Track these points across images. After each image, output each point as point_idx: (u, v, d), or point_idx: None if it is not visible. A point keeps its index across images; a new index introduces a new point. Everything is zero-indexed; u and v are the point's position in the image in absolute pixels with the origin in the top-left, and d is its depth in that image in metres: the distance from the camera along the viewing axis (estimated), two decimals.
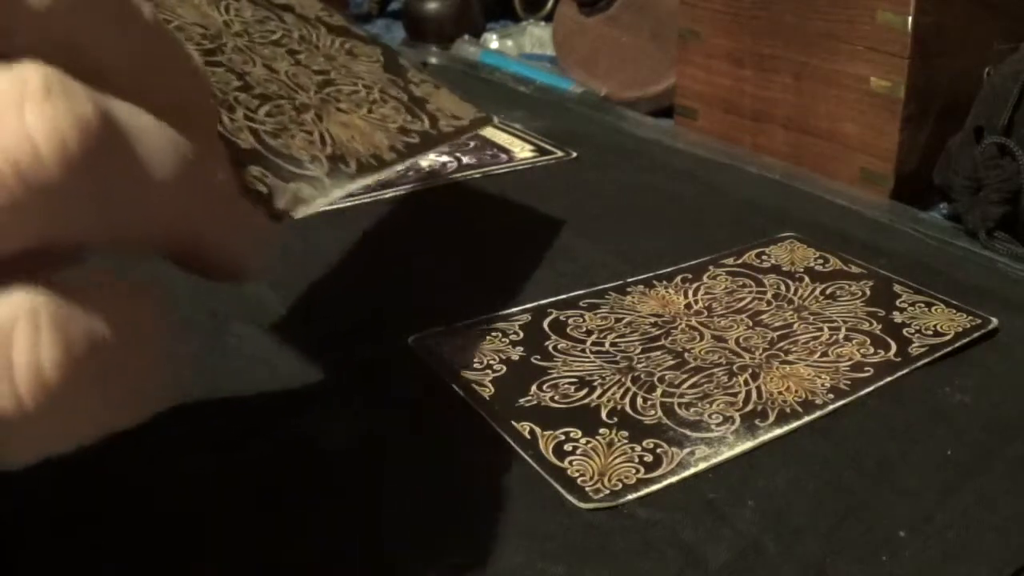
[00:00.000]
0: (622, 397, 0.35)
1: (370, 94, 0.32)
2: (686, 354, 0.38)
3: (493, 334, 0.39)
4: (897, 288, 0.43)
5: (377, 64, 0.35)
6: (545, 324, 0.40)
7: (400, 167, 0.30)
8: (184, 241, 0.18)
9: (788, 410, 0.34)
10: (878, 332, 0.39)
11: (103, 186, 0.16)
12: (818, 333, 0.39)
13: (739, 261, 0.46)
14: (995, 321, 0.40)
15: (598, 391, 0.36)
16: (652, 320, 0.41)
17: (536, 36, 0.93)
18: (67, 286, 0.16)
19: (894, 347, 0.38)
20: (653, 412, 0.34)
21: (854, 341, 0.39)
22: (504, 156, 0.61)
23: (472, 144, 0.62)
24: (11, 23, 0.15)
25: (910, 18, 0.54)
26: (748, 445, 0.33)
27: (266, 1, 0.33)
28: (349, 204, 0.51)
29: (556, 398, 0.35)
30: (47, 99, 0.15)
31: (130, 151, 0.16)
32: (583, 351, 0.38)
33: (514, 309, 0.42)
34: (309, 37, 0.33)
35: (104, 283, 0.17)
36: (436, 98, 0.36)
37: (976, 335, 0.39)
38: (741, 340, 0.39)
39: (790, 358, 0.38)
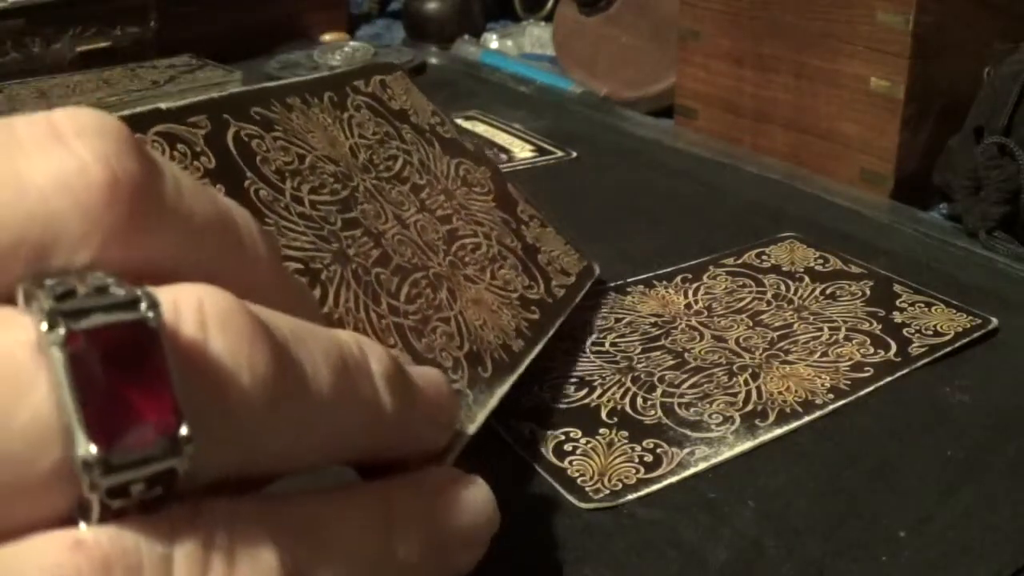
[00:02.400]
0: (622, 397, 0.35)
1: (490, 248, 0.35)
2: (686, 354, 0.38)
3: None
4: (897, 288, 0.43)
5: (489, 196, 0.38)
6: None
7: (527, 361, 0.32)
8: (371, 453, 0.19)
9: (788, 410, 0.34)
10: (878, 332, 0.39)
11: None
12: (818, 333, 0.39)
13: (739, 261, 0.46)
14: (995, 321, 0.40)
15: (598, 391, 0.36)
16: (652, 320, 0.41)
17: (536, 36, 0.93)
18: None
19: (894, 347, 0.38)
20: (653, 412, 0.34)
21: (854, 341, 0.39)
22: (504, 156, 0.61)
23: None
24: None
25: (910, 18, 0.54)
26: (748, 445, 0.33)
27: (385, 109, 0.35)
28: None
29: (556, 398, 0.35)
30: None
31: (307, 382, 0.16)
32: (583, 351, 0.38)
33: None
34: (427, 161, 0.35)
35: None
36: (544, 241, 0.39)
37: (976, 335, 0.39)
38: (741, 340, 0.39)
39: (790, 358, 0.38)
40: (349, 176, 0.30)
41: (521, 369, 0.31)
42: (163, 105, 0.24)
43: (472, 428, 0.26)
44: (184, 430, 0.14)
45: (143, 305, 0.14)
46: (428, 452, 0.20)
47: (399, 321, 0.27)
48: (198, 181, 0.17)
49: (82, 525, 0.14)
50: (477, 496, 0.20)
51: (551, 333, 0.34)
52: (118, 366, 0.13)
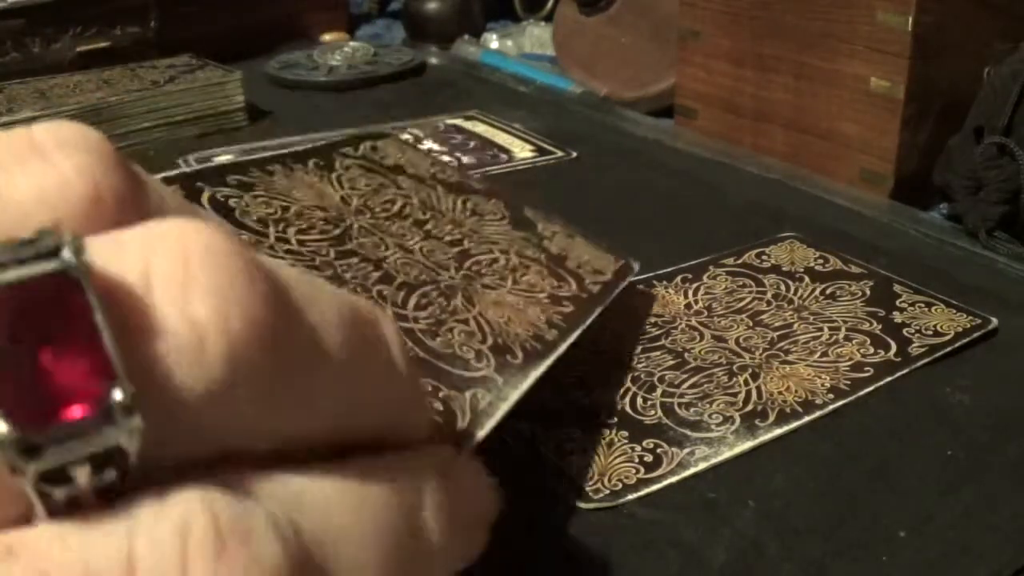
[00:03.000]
0: (622, 397, 0.35)
1: (508, 261, 0.32)
2: (686, 354, 0.38)
3: None
4: (897, 288, 0.43)
5: (504, 221, 0.35)
6: None
7: (563, 348, 0.29)
8: None
9: (788, 410, 0.34)
10: (878, 332, 0.39)
11: None
12: (818, 333, 0.39)
13: (739, 261, 0.46)
14: (995, 321, 0.40)
15: (598, 391, 0.36)
16: (652, 320, 0.41)
17: (536, 36, 0.93)
18: None
19: (894, 347, 0.38)
20: (653, 412, 0.34)
21: (854, 341, 0.39)
22: (504, 156, 0.61)
23: (472, 144, 0.62)
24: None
25: (910, 18, 0.54)
26: (748, 445, 0.33)
27: (378, 166, 0.33)
28: None
29: (556, 398, 0.35)
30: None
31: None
32: (583, 351, 0.38)
33: None
34: (430, 201, 0.32)
35: None
36: (573, 250, 0.36)
37: (976, 335, 0.39)
38: (741, 340, 0.39)
39: (790, 358, 0.38)
40: (341, 218, 0.28)
41: (559, 352, 0.29)
42: None
43: (504, 406, 0.24)
44: (118, 395, 0.11)
45: (66, 251, 0.12)
46: (422, 437, 0.18)
47: (408, 327, 0.25)
48: (181, 198, 0.16)
49: (37, 523, 0.12)
50: (482, 475, 0.19)
51: (588, 322, 0.31)
52: (34, 327, 0.12)
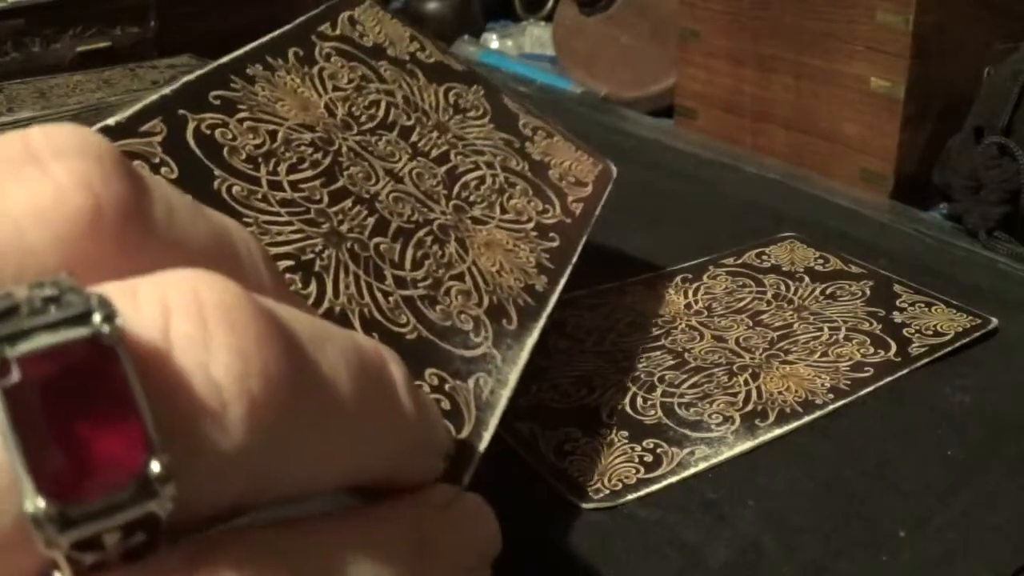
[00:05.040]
0: (622, 397, 0.35)
1: (495, 179, 0.32)
2: (686, 354, 0.38)
3: None
4: (897, 288, 0.43)
5: (486, 119, 0.34)
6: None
7: (554, 298, 0.30)
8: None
9: (788, 410, 0.34)
10: (878, 332, 0.39)
11: None
12: (818, 333, 0.39)
13: (739, 261, 0.46)
14: (995, 321, 0.40)
15: (598, 391, 0.36)
16: (652, 320, 0.41)
17: (536, 36, 0.93)
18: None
19: (894, 347, 0.38)
20: (653, 412, 0.34)
21: (854, 341, 0.39)
22: None
23: None
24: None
25: (910, 18, 0.54)
26: (748, 445, 0.33)
27: (358, 49, 0.32)
28: None
29: (556, 398, 0.35)
30: None
31: None
32: (583, 351, 0.38)
33: None
34: (412, 96, 0.32)
35: None
36: (553, 153, 0.36)
37: (976, 335, 0.39)
38: (741, 340, 0.39)
39: (790, 358, 0.38)
40: (329, 140, 0.28)
41: (548, 310, 0.29)
42: (111, 120, 0.22)
43: (505, 392, 0.25)
44: (156, 467, 0.11)
45: (96, 316, 0.11)
46: (427, 478, 0.18)
47: (408, 294, 0.25)
48: (192, 201, 0.15)
49: None
50: (481, 513, 0.19)
51: (574, 260, 0.32)
52: (68, 397, 0.11)
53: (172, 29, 0.79)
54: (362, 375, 0.15)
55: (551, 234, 0.32)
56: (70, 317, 0.11)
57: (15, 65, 0.71)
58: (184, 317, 0.12)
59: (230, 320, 0.13)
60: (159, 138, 0.23)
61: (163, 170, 0.22)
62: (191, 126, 0.24)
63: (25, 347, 0.11)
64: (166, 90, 0.24)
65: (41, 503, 0.11)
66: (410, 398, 0.16)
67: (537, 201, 0.33)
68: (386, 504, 0.16)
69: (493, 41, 0.93)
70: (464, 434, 0.23)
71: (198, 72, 0.26)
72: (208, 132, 0.24)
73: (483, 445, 0.23)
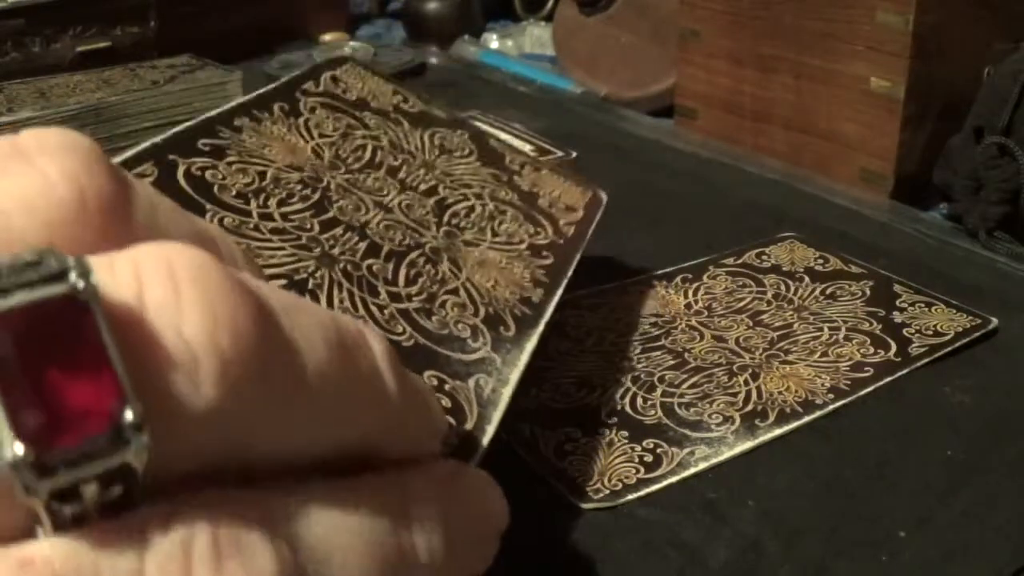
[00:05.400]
0: (622, 397, 0.35)
1: (485, 208, 0.32)
2: (686, 354, 0.38)
3: None
4: (897, 288, 0.43)
5: (472, 157, 0.35)
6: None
7: (551, 309, 0.30)
8: None
9: (788, 410, 0.34)
10: (878, 332, 0.39)
11: None
12: (818, 333, 0.39)
13: (739, 261, 0.46)
14: (995, 321, 0.40)
15: (598, 391, 0.36)
16: (652, 320, 0.41)
17: (536, 36, 0.93)
18: None
19: (894, 347, 0.38)
20: (653, 412, 0.34)
21: (854, 341, 0.39)
22: None
23: None
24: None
25: (910, 18, 0.54)
26: (748, 445, 0.33)
27: (342, 102, 0.33)
28: None
29: (556, 398, 0.35)
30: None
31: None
32: (583, 351, 0.38)
33: None
34: (398, 141, 0.33)
35: None
36: (542, 185, 0.37)
37: (976, 335, 0.39)
38: (741, 340, 0.39)
39: (790, 358, 0.38)
40: (318, 178, 0.28)
41: (546, 318, 0.29)
42: None
43: (507, 391, 0.25)
44: (130, 415, 0.12)
45: (73, 275, 0.12)
46: (424, 457, 0.18)
47: (403, 307, 0.25)
48: (174, 203, 0.16)
49: (41, 536, 0.12)
50: (488, 488, 0.19)
51: (569, 274, 0.32)
52: (45, 350, 0.12)
53: (172, 29, 0.79)
54: (338, 345, 0.15)
55: (544, 253, 0.33)
56: (47, 276, 0.12)
57: (15, 65, 0.71)
58: (156, 281, 0.13)
59: (200, 282, 0.13)
60: (150, 179, 0.24)
61: None
62: (181, 169, 0.25)
63: (3, 304, 0.12)
64: (157, 139, 0.25)
65: (20, 449, 0.11)
66: (392, 373, 0.16)
67: (528, 225, 0.33)
68: (374, 473, 0.16)
69: (493, 41, 0.93)
70: (467, 427, 0.23)
71: (185, 124, 0.27)
72: (198, 173, 0.25)
73: (487, 439, 0.23)
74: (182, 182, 0.24)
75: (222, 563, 0.13)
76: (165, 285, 0.13)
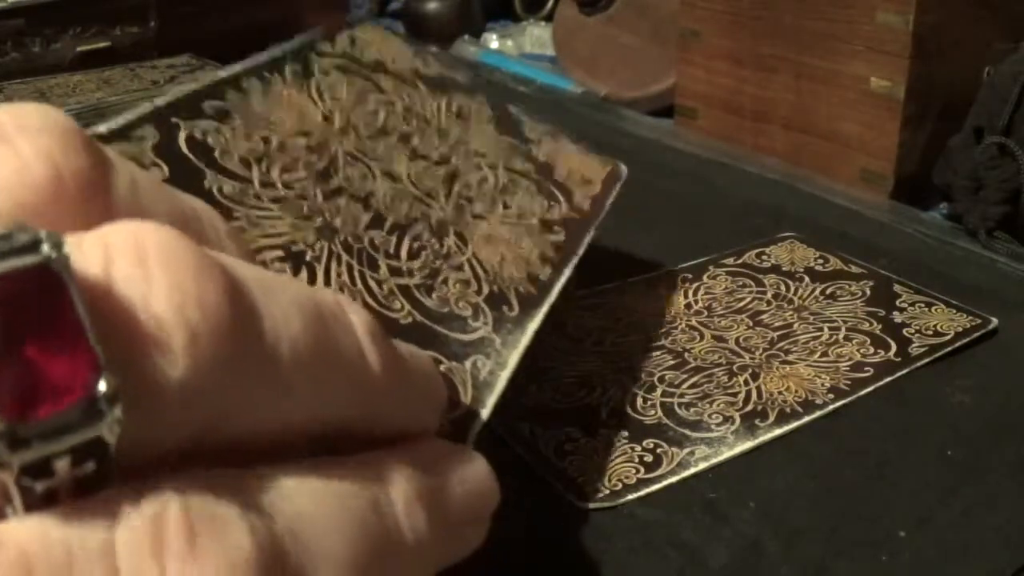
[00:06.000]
0: (622, 397, 0.35)
1: (498, 179, 0.31)
2: (686, 354, 0.38)
3: None
4: (897, 288, 0.43)
5: (490, 125, 0.34)
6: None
7: (558, 287, 0.29)
8: None
9: (788, 410, 0.34)
10: (878, 332, 0.39)
11: None
12: (818, 333, 0.39)
13: (739, 261, 0.46)
14: (995, 321, 0.40)
15: (598, 391, 0.36)
16: (652, 320, 0.41)
17: (536, 36, 0.93)
18: None
19: (894, 347, 0.38)
20: (653, 412, 0.34)
21: (854, 341, 0.39)
22: None
23: None
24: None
25: (910, 18, 0.54)
26: (748, 445, 0.33)
27: (358, 64, 0.31)
28: None
29: (556, 398, 0.35)
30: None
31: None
32: (583, 351, 0.38)
33: None
34: (413, 106, 0.31)
35: None
36: (560, 155, 0.35)
37: (976, 335, 0.39)
38: (741, 340, 0.39)
39: (790, 358, 0.38)
40: (325, 144, 0.27)
41: (552, 298, 0.28)
42: (103, 128, 0.22)
43: (505, 374, 0.24)
44: (103, 386, 0.12)
45: (45, 246, 0.12)
46: (422, 431, 0.18)
47: (404, 282, 0.25)
48: (157, 180, 0.15)
49: (11, 515, 0.12)
50: (477, 467, 0.18)
51: (580, 253, 0.31)
52: (18, 320, 0.12)
53: (172, 29, 0.79)
54: (315, 320, 0.15)
55: (556, 228, 0.32)
56: (19, 247, 0.12)
57: (15, 65, 0.71)
58: (125, 258, 0.13)
59: (169, 258, 0.13)
60: (151, 143, 0.23)
61: (153, 170, 0.22)
62: (183, 133, 0.24)
63: None
64: (159, 101, 0.24)
65: None
66: (376, 348, 0.16)
67: (541, 199, 0.32)
68: (355, 456, 0.16)
69: (493, 41, 0.93)
70: (459, 412, 0.23)
71: (192, 86, 0.26)
72: (200, 137, 0.24)
73: (479, 424, 0.22)
74: (183, 147, 0.24)
75: (195, 539, 0.12)
76: (133, 261, 0.13)
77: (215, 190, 0.23)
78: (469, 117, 0.34)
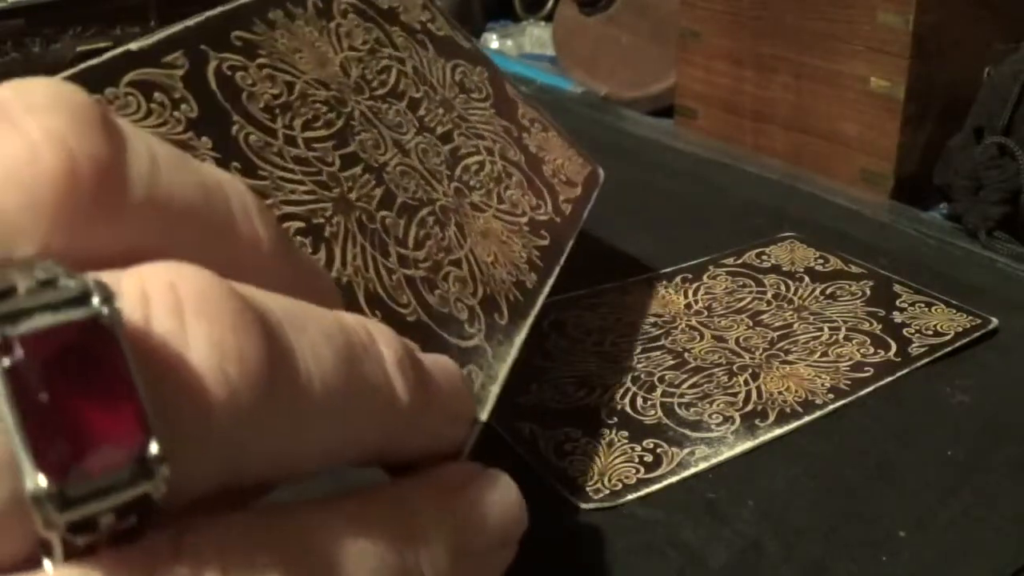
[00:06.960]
0: (622, 397, 0.35)
1: (494, 166, 0.33)
2: (686, 354, 0.38)
3: None
4: (897, 288, 0.43)
5: (488, 103, 0.35)
6: (545, 324, 0.40)
7: (542, 298, 0.30)
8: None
9: (788, 410, 0.34)
10: (878, 332, 0.39)
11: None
12: (818, 333, 0.39)
13: (739, 261, 0.46)
14: (995, 321, 0.40)
15: (598, 391, 0.36)
16: (652, 320, 0.41)
17: (536, 36, 0.93)
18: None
19: (894, 347, 0.38)
20: (653, 412, 0.34)
21: (854, 341, 0.39)
22: None
23: None
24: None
25: (910, 18, 0.54)
26: (748, 445, 0.33)
27: (373, 10, 0.32)
28: None
29: (556, 398, 0.35)
30: None
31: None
32: (583, 351, 0.38)
33: None
34: (422, 68, 0.33)
35: None
36: (547, 148, 0.37)
37: (976, 335, 0.39)
38: (741, 340, 0.39)
39: (790, 358, 0.38)
40: (343, 101, 0.28)
41: (536, 309, 0.29)
42: (134, 46, 0.22)
43: (495, 389, 0.25)
44: (154, 448, 0.11)
45: (95, 299, 0.12)
46: (445, 450, 0.18)
47: (410, 274, 0.26)
48: (179, 153, 0.15)
49: (47, 565, 0.12)
50: (504, 492, 0.18)
51: (562, 261, 0.33)
52: (68, 376, 0.11)
53: None
54: (346, 356, 0.15)
55: (542, 231, 0.33)
56: (69, 299, 0.11)
57: (15, 65, 0.71)
58: (162, 310, 0.12)
59: (206, 310, 0.13)
60: (181, 72, 0.23)
61: (183, 107, 0.22)
62: (212, 64, 0.24)
63: (26, 326, 0.11)
64: (189, 22, 0.24)
65: (42, 481, 0.11)
66: (403, 379, 0.16)
67: (531, 195, 0.34)
68: (384, 487, 0.16)
69: (493, 41, 0.93)
70: None
71: (221, 8, 0.26)
72: (229, 73, 0.24)
73: (473, 437, 0.23)
74: (212, 81, 0.24)
75: None
76: (171, 313, 0.12)
77: (242, 139, 0.23)
78: (471, 90, 0.35)
